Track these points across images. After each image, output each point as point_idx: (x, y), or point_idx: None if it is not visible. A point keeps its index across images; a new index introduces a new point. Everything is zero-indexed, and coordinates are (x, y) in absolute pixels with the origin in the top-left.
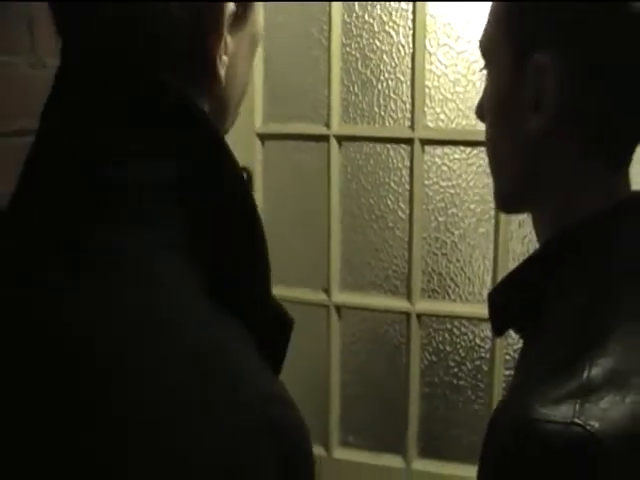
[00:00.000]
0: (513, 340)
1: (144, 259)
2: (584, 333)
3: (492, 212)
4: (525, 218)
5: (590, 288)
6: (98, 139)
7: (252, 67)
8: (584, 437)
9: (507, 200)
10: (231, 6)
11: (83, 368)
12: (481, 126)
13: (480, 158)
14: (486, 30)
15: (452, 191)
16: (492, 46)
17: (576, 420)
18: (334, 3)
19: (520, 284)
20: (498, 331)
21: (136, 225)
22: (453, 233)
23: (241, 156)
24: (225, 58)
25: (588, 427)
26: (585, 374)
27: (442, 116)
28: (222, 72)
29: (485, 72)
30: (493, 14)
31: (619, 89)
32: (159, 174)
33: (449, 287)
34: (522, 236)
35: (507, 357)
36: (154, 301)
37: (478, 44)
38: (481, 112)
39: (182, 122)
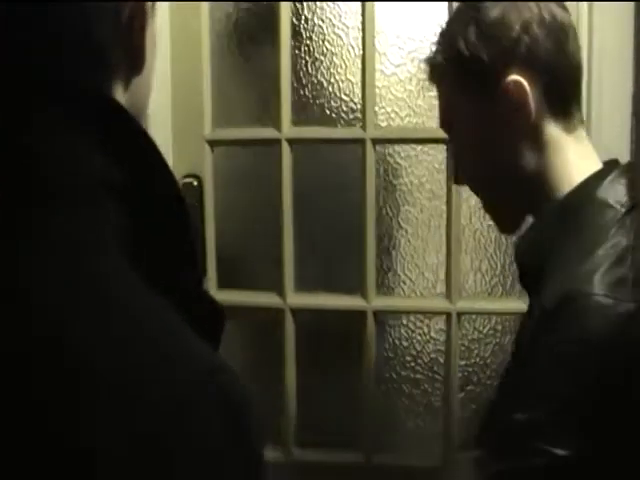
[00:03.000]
0: (467, 330)
1: (86, 249)
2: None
3: (444, 207)
4: (475, 211)
5: (588, 233)
6: (33, 138)
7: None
8: None
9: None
10: None
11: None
12: (431, 123)
13: (430, 155)
14: (444, 104)
15: (404, 188)
16: (456, 107)
17: None
18: (282, 6)
19: (529, 244)
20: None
21: (75, 215)
22: (406, 230)
23: (191, 163)
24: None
25: None
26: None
27: (393, 115)
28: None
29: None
30: (445, 85)
31: (565, 76)
32: (95, 171)
33: (403, 283)
34: (474, 230)
35: (462, 348)
36: (101, 285)
37: (440, 124)
38: (444, 126)
39: (110, 123)
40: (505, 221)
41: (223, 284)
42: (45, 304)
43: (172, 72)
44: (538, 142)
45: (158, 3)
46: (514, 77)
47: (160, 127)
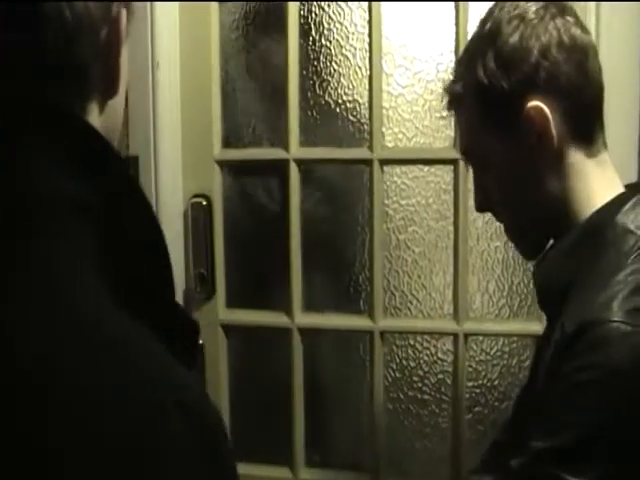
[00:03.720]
0: (475, 352)
1: (63, 271)
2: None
3: (451, 228)
4: (483, 232)
5: (608, 258)
6: (11, 161)
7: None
8: None
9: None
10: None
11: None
12: (438, 143)
13: (437, 176)
14: (464, 132)
15: (412, 209)
16: (477, 135)
17: None
18: (290, 27)
19: (548, 268)
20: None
21: (53, 241)
22: (414, 250)
23: (200, 183)
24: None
25: None
26: None
27: (400, 136)
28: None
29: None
30: (465, 113)
31: (586, 100)
32: (71, 193)
33: (410, 303)
34: (481, 251)
35: (470, 369)
36: (71, 305)
37: (460, 151)
38: (465, 154)
39: (84, 147)
40: (527, 246)
41: (231, 303)
42: (25, 329)
43: (182, 93)
44: (560, 167)
45: (153, 27)
46: (535, 103)
47: (170, 147)
